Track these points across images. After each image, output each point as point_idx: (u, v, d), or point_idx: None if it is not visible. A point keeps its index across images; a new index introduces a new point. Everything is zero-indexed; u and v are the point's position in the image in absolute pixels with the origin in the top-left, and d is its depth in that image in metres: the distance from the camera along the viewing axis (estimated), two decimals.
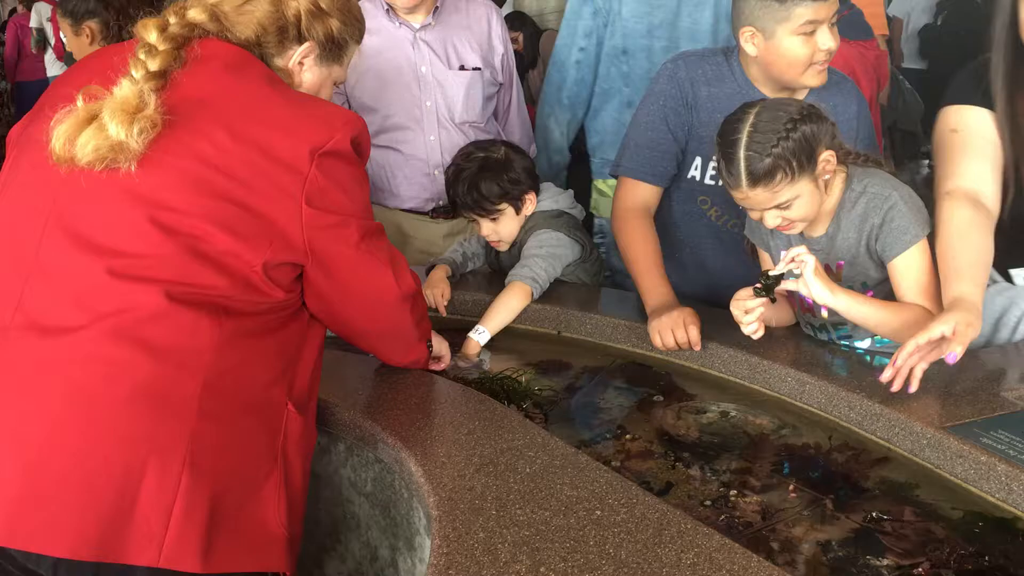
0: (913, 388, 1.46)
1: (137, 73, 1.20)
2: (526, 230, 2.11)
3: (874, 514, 1.32)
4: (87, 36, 2.58)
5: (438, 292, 2.07)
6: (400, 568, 1.52)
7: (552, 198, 2.16)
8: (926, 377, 1.51)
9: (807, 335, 1.80)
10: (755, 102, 1.63)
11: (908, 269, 1.61)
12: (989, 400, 1.47)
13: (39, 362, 1.14)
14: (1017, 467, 1.29)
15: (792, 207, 1.60)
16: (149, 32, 1.24)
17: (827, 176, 1.63)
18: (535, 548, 1.10)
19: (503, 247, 2.17)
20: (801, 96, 1.87)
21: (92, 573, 1.11)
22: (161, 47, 1.23)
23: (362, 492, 1.57)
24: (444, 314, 2.04)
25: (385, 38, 2.45)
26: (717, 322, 1.84)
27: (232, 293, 1.20)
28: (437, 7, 2.45)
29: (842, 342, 1.76)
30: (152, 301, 1.15)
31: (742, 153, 1.56)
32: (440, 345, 1.71)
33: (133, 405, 1.13)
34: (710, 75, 1.94)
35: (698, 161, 1.97)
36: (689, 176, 1.99)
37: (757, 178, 1.56)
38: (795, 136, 1.55)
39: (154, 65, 1.21)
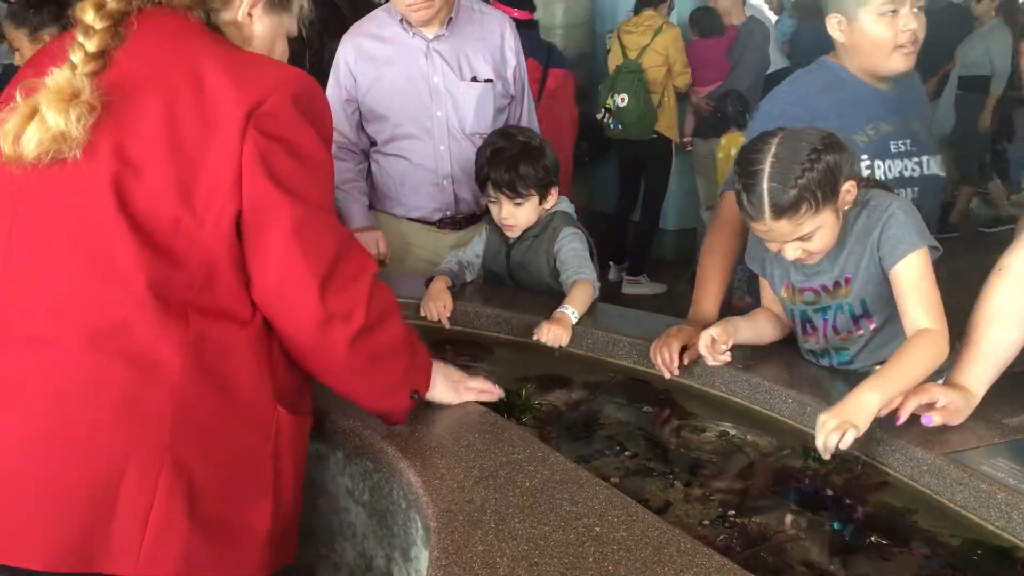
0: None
1: (75, 57, 1.18)
2: (553, 227, 2.16)
3: (872, 539, 1.32)
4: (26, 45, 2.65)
5: (439, 304, 2.05)
6: None
7: (564, 199, 2.22)
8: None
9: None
10: (775, 131, 1.61)
11: (907, 276, 1.59)
12: (989, 428, 1.47)
13: (17, 373, 1.14)
14: (1017, 495, 1.28)
15: (814, 238, 1.59)
16: (86, 12, 1.21)
17: (847, 207, 1.62)
18: (534, 563, 1.10)
19: (514, 232, 2.19)
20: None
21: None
22: (98, 26, 1.20)
23: (359, 501, 1.57)
24: (448, 327, 2.04)
25: (398, 47, 2.47)
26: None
27: (199, 284, 1.17)
28: (451, 18, 2.47)
29: (844, 367, 1.76)
30: (119, 307, 1.14)
31: (765, 185, 1.53)
32: (485, 386, 1.58)
33: (111, 414, 1.12)
34: (820, 86, 1.94)
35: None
36: None
37: (781, 210, 1.53)
38: (819, 167, 1.53)
39: (92, 46, 1.18)
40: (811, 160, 1.53)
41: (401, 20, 2.46)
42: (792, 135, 1.59)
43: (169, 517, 1.11)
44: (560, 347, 1.90)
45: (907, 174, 1.93)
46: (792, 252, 1.61)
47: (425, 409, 1.48)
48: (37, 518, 1.10)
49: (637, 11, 5.11)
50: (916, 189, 1.93)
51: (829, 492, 1.44)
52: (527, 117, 2.66)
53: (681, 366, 1.76)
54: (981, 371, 1.52)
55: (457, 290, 2.16)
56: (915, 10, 1.82)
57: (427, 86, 2.47)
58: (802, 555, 1.28)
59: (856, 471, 1.48)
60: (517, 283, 2.24)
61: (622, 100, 4.96)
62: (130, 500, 1.10)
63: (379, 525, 1.53)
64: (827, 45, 1.99)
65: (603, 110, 5.04)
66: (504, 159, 2.11)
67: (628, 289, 5.18)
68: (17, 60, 2.85)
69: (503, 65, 2.55)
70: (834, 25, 1.89)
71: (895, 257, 1.60)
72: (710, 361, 1.68)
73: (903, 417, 1.45)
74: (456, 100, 2.48)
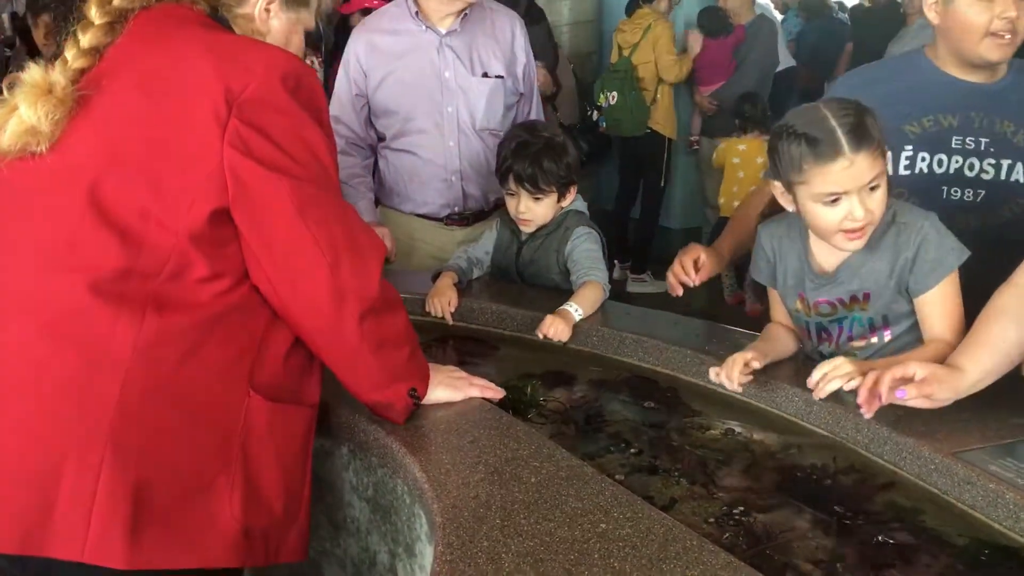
0: (868, 415, 1.46)
1: (69, 52, 1.20)
2: (566, 226, 2.14)
3: (879, 538, 1.31)
4: (42, 29, 2.83)
5: (444, 300, 2.05)
6: (399, 573, 1.51)
7: (578, 198, 2.22)
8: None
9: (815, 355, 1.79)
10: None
11: (937, 304, 1.58)
12: (999, 427, 1.46)
13: None
14: None
15: (877, 192, 1.56)
16: (90, 7, 1.23)
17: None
18: (539, 559, 1.09)
19: (530, 227, 2.18)
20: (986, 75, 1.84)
21: (20, 566, 1.13)
22: (97, 21, 1.22)
23: (363, 496, 1.56)
24: (451, 322, 2.03)
25: (410, 42, 2.48)
26: (725, 341, 1.84)
27: (162, 273, 1.16)
28: (465, 14, 2.47)
29: None
30: (75, 295, 1.14)
31: (834, 122, 1.51)
32: (487, 384, 1.57)
33: (53, 402, 1.13)
34: (888, 73, 1.93)
35: (888, 156, 1.88)
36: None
37: (859, 138, 1.50)
38: (869, 113, 1.54)
39: (85, 41, 1.21)
40: (858, 107, 1.54)
41: (416, 14, 2.46)
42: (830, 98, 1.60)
43: (114, 505, 1.10)
44: (562, 342, 1.89)
45: (969, 173, 1.85)
46: (859, 210, 1.53)
47: (430, 405, 1.48)
48: None
49: (629, 13, 5.17)
50: (983, 193, 1.85)
51: (836, 491, 1.44)
52: (535, 114, 2.66)
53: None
54: (979, 355, 1.48)
55: (464, 286, 2.15)
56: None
57: (439, 81, 2.47)
58: (808, 554, 1.27)
59: (863, 470, 1.47)
60: (524, 280, 2.23)
61: (612, 98, 5.03)
62: (73, 487, 1.10)
63: (383, 521, 1.53)
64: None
65: (594, 108, 5.10)
66: (529, 153, 2.09)
67: (633, 287, 5.18)
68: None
69: (513, 62, 2.56)
70: (929, 6, 1.84)
71: (928, 284, 1.58)
72: (732, 386, 1.64)
73: (883, 393, 1.42)
74: (467, 95, 2.48)
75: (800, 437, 1.58)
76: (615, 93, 5.01)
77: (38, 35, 2.93)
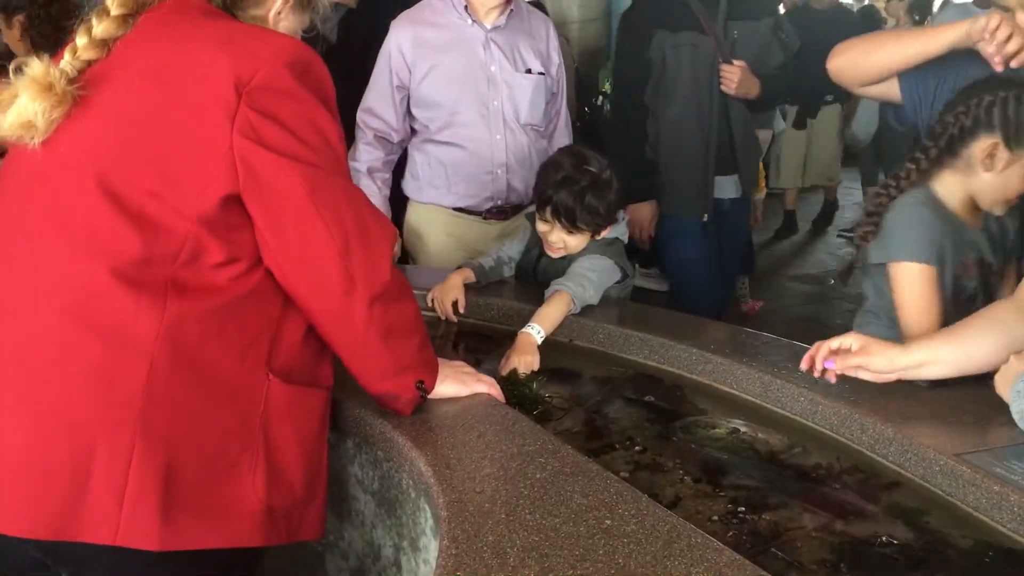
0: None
1: (80, 40, 1.22)
2: (584, 248, 2.07)
3: (883, 538, 1.31)
4: (16, 29, 2.90)
5: (448, 300, 2.02)
6: (403, 568, 1.51)
7: (620, 226, 2.13)
8: (939, 404, 1.51)
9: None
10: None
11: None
12: (1003, 429, 1.46)
13: (6, 344, 1.17)
14: None
15: None
16: None
17: None
18: (544, 554, 1.10)
19: (557, 255, 2.10)
20: None
21: (52, 553, 1.15)
22: (113, 12, 1.24)
23: (368, 490, 1.57)
24: (453, 321, 2.03)
25: (456, 36, 2.50)
26: (733, 339, 1.84)
27: (179, 258, 1.17)
28: (511, 10, 2.52)
29: None
30: (96, 280, 1.16)
31: None
32: (494, 383, 1.56)
33: (81, 389, 1.14)
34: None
35: None
36: None
37: None
38: None
39: (98, 32, 1.23)
40: None
41: (466, 7, 2.49)
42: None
43: (145, 488, 1.12)
44: (534, 370, 1.80)
45: None
46: None
47: (436, 400, 1.48)
48: (18, 486, 1.13)
49: None
50: None
51: (840, 491, 1.44)
52: (565, 114, 2.72)
53: None
54: (936, 340, 1.51)
55: (481, 285, 2.12)
56: None
57: (485, 75, 2.51)
58: (812, 553, 1.28)
59: (867, 470, 1.47)
60: (540, 285, 2.19)
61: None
62: (105, 472, 1.11)
63: (388, 514, 1.53)
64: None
65: (599, 95, 5.11)
66: (573, 190, 2.00)
67: (638, 281, 5.16)
68: (5, 38, 3.05)
69: (549, 62, 2.62)
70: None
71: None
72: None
73: (817, 363, 1.50)
74: (513, 90, 2.53)
75: (804, 437, 1.59)
76: None
77: (11, 35, 2.97)
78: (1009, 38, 1.65)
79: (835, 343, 1.50)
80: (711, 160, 2.91)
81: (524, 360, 1.79)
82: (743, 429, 1.63)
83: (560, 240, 2.06)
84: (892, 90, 1.93)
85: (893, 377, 1.53)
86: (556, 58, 2.64)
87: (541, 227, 2.09)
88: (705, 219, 2.95)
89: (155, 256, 1.17)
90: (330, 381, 1.38)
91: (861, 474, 1.47)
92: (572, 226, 2.02)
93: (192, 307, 1.18)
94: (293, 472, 1.26)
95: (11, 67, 1.19)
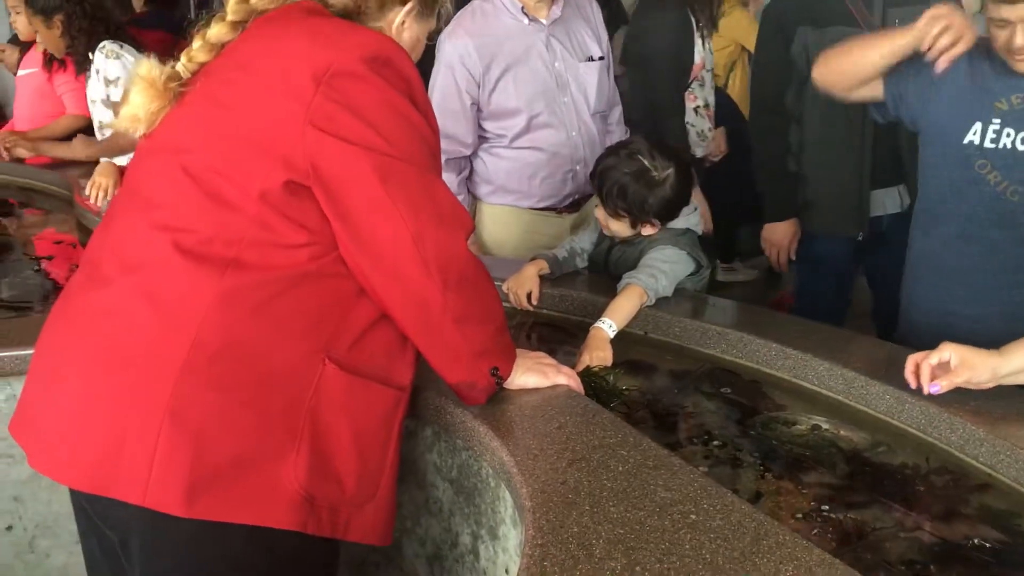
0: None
1: (196, 43, 1.31)
2: (652, 240, 2.05)
3: (975, 540, 1.28)
4: (57, 28, 3.18)
5: (523, 292, 2.02)
6: (481, 556, 1.52)
7: (684, 216, 2.07)
8: None
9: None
10: None
11: None
12: None
13: (81, 314, 1.25)
14: None
15: None
16: (228, 1, 1.31)
17: None
18: (630, 547, 1.09)
19: (608, 232, 2.10)
20: None
21: (93, 505, 1.25)
22: (230, 17, 1.30)
23: (447, 478, 1.58)
24: (529, 309, 2.03)
25: (518, 38, 2.46)
26: (815, 335, 1.81)
27: (245, 237, 1.20)
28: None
29: None
30: (164, 253, 1.20)
31: None
32: (573, 374, 1.55)
33: (130, 355, 1.18)
34: (981, 52, 1.86)
35: (977, 126, 1.86)
36: (966, 141, 1.87)
37: None
38: None
39: (212, 34, 1.30)
40: None
41: (522, 8, 2.45)
42: None
43: (173, 454, 1.14)
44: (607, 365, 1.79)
45: None
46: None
47: (516, 390, 1.48)
48: (69, 439, 1.19)
49: None
50: None
51: (928, 491, 1.41)
52: (613, 84, 2.68)
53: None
54: None
55: (555, 276, 2.12)
56: None
57: (551, 73, 2.47)
58: (901, 554, 1.26)
59: (956, 471, 1.44)
60: (612, 278, 2.19)
61: None
62: (138, 438, 1.15)
63: (466, 503, 1.54)
64: None
65: None
66: (614, 176, 1.97)
67: (723, 276, 5.09)
68: (42, 39, 3.34)
69: (601, 41, 2.58)
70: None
71: None
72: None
73: (924, 385, 1.45)
74: (579, 83, 2.50)
75: (889, 436, 1.56)
76: None
77: (51, 35, 3.23)
78: (945, 31, 1.74)
79: (934, 359, 1.43)
80: (866, 170, 2.56)
81: (597, 356, 1.79)
82: (825, 426, 1.61)
83: (604, 218, 2.06)
84: (878, 91, 1.96)
85: (993, 384, 1.48)
86: (604, 33, 2.60)
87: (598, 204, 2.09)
88: (860, 237, 2.61)
89: (222, 234, 1.20)
90: (404, 383, 1.35)
91: (950, 475, 1.44)
92: (608, 202, 2.01)
93: (249, 285, 1.20)
94: (344, 466, 1.25)
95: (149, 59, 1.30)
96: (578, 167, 2.52)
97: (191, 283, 1.19)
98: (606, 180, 2.00)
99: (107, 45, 3.09)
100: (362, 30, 1.32)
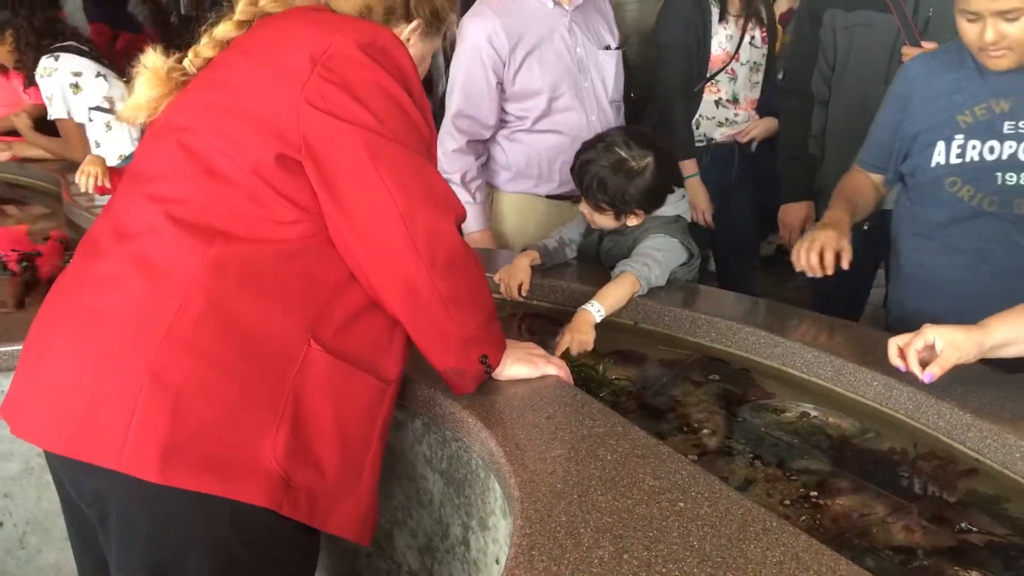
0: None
1: (203, 39, 1.33)
2: (643, 229, 2.05)
3: (963, 525, 1.29)
4: (7, 43, 3.35)
5: (515, 281, 2.02)
6: (472, 546, 1.53)
7: (673, 204, 2.08)
8: (1019, 389, 1.47)
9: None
10: None
11: None
12: None
13: (74, 286, 1.26)
14: None
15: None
16: (237, 2, 1.33)
17: None
18: (618, 535, 1.10)
19: (595, 226, 2.11)
20: None
21: (69, 469, 1.23)
22: (237, 17, 1.33)
23: (437, 469, 1.58)
24: (519, 300, 2.03)
25: (542, 21, 2.50)
26: (802, 322, 1.81)
27: (236, 210, 1.21)
28: None
29: None
30: (155, 221, 1.22)
31: None
32: (563, 365, 1.54)
33: (117, 322, 1.19)
34: (943, 66, 1.88)
35: (940, 146, 1.87)
36: (933, 165, 1.88)
37: None
38: None
39: (219, 32, 1.33)
40: None
41: None
42: None
43: (150, 420, 1.14)
44: (587, 350, 1.80)
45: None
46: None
47: (505, 381, 1.49)
48: (51, 402, 1.19)
49: None
50: None
51: (916, 477, 1.42)
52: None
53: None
54: (1016, 320, 1.43)
55: (546, 267, 2.12)
56: (1003, 23, 1.68)
57: (573, 58, 2.52)
58: (888, 539, 1.26)
59: (944, 456, 1.45)
60: (603, 268, 2.19)
61: None
62: (117, 404, 1.15)
63: (456, 494, 1.54)
64: None
65: None
66: (592, 170, 1.99)
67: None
68: None
69: (614, 33, 2.64)
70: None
71: None
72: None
73: (916, 372, 1.42)
74: (599, 69, 2.55)
75: (877, 422, 1.56)
76: None
77: (1, 50, 3.39)
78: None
79: (919, 343, 1.42)
80: None
81: (578, 339, 1.79)
82: (813, 413, 1.61)
83: (587, 212, 2.07)
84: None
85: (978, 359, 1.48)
86: (615, 28, 2.67)
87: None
88: (866, 227, 2.48)
89: (214, 205, 1.22)
90: (391, 376, 1.35)
91: (938, 460, 1.44)
92: (588, 196, 2.02)
93: (237, 256, 1.21)
94: (325, 452, 1.24)
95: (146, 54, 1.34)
96: None
97: (180, 251, 1.20)
98: (585, 174, 2.01)
99: (42, 62, 3.28)
100: (364, 21, 1.34)
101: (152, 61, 1.32)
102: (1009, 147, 1.80)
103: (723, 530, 1.11)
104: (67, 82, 3.28)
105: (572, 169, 2.06)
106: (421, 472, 1.62)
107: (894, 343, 1.47)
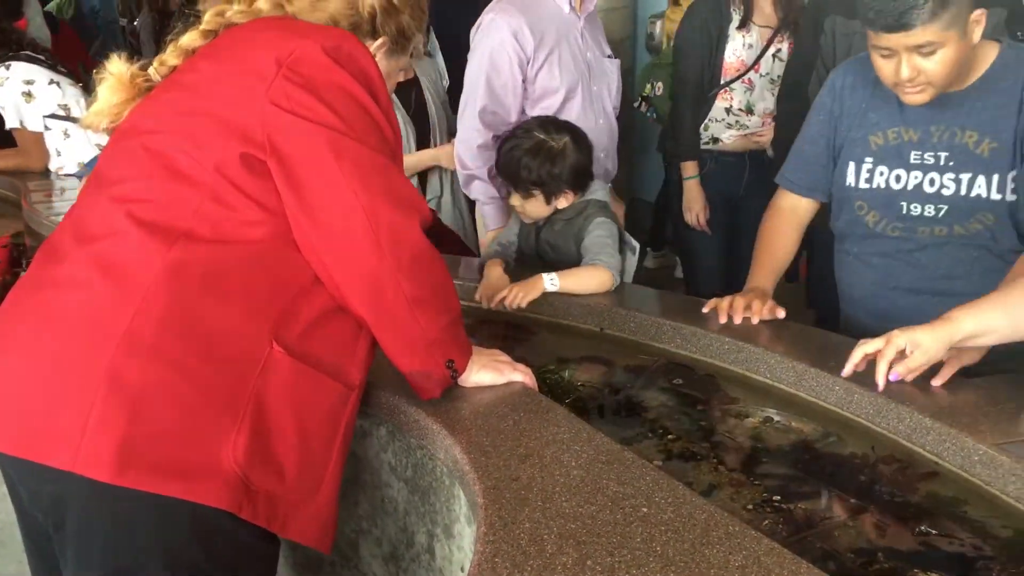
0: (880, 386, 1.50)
1: (169, 48, 1.36)
2: (585, 215, 2.12)
3: (921, 528, 1.30)
4: None
5: (498, 298, 2.00)
6: (437, 554, 1.52)
7: (602, 189, 2.19)
8: (979, 393, 1.49)
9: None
10: None
11: None
12: None
13: (33, 288, 1.25)
14: None
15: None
16: (206, 13, 1.35)
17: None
18: (581, 541, 1.10)
19: (526, 219, 2.19)
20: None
21: (20, 470, 1.22)
22: (204, 27, 1.35)
23: (402, 477, 1.57)
24: (489, 307, 2.03)
25: (558, 24, 2.54)
26: (768, 329, 1.83)
27: (200, 210, 1.21)
28: None
29: None
30: (117, 222, 1.22)
31: None
32: (529, 372, 1.55)
33: (75, 322, 1.18)
34: (863, 79, 1.85)
35: (851, 166, 1.87)
36: (846, 184, 1.88)
37: None
38: None
39: (185, 40, 1.35)
40: None
41: None
42: None
43: (108, 421, 1.12)
44: (520, 307, 1.91)
45: (929, 188, 1.78)
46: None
47: (469, 387, 1.48)
48: (6, 404, 1.17)
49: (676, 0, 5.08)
50: (945, 208, 1.77)
51: (876, 481, 1.43)
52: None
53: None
54: (982, 308, 1.43)
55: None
56: (918, 57, 1.63)
57: (585, 63, 2.57)
58: (850, 542, 1.27)
59: (904, 460, 1.46)
60: (546, 265, 2.22)
61: (659, 88, 4.91)
62: (75, 405, 1.13)
63: (421, 502, 1.54)
64: None
65: (640, 99, 5.00)
66: (512, 154, 2.10)
67: (650, 262, 5.17)
68: None
69: (607, 41, 2.71)
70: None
71: None
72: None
73: (881, 382, 1.47)
74: (605, 76, 2.62)
75: (839, 426, 1.58)
76: (661, 83, 4.89)
77: None
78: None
79: (891, 351, 1.44)
80: None
81: (516, 292, 1.91)
82: (776, 418, 1.62)
83: (518, 203, 2.15)
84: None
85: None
86: (607, 46, 2.73)
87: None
88: None
89: (176, 206, 1.22)
90: (355, 381, 1.34)
91: (898, 463, 1.46)
92: (516, 185, 2.11)
93: (199, 257, 1.20)
94: (285, 455, 1.22)
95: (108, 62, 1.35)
96: (602, 155, 2.59)
97: (142, 252, 1.19)
98: (510, 161, 2.09)
99: None
100: (331, 28, 1.35)
101: (116, 67, 1.34)
102: (915, 177, 1.79)
103: (686, 535, 1.11)
104: (19, 91, 3.25)
105: (496, 164, 2.15)
106: (386, 480, 1.61)
107: (862, 350, 1.48)
